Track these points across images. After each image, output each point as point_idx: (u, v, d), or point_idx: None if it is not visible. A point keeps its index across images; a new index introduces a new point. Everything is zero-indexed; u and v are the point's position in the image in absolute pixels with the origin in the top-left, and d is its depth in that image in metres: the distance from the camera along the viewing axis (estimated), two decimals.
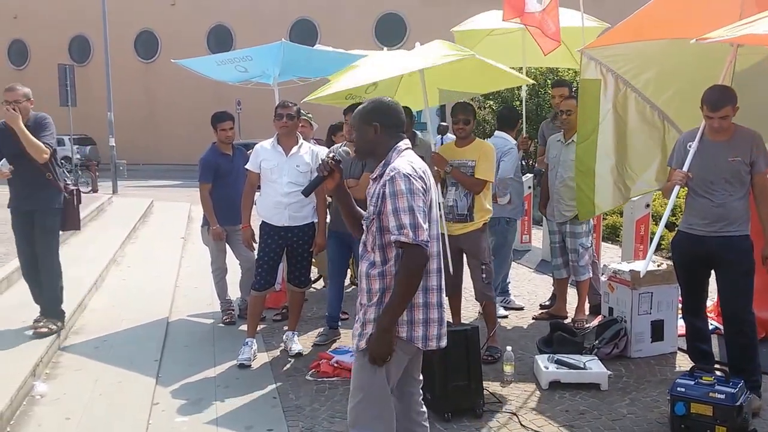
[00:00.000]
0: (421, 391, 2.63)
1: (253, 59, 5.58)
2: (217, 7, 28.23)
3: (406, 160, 2.37)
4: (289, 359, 4.38)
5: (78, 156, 20.52)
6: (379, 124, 2.42)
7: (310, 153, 4.43)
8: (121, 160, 18.03)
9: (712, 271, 3.67)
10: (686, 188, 3.62)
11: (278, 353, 4.52)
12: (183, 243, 8.74)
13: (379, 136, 2.42)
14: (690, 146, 3.55)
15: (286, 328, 4.69)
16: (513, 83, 5.73)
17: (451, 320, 4.35)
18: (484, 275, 4.28)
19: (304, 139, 4.61)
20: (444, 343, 2.48)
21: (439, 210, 4.31)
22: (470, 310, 5.30)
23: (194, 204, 10.89)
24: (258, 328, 4.65)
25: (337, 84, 4.42)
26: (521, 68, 6.23)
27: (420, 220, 2.27)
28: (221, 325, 5.18)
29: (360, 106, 2.53)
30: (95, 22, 19.47)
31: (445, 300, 2.54)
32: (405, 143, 2.44)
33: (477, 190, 4.24)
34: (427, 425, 2.62)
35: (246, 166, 4.52)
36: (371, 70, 4.52)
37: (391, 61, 4.86)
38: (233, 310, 5.30)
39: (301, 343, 4.54)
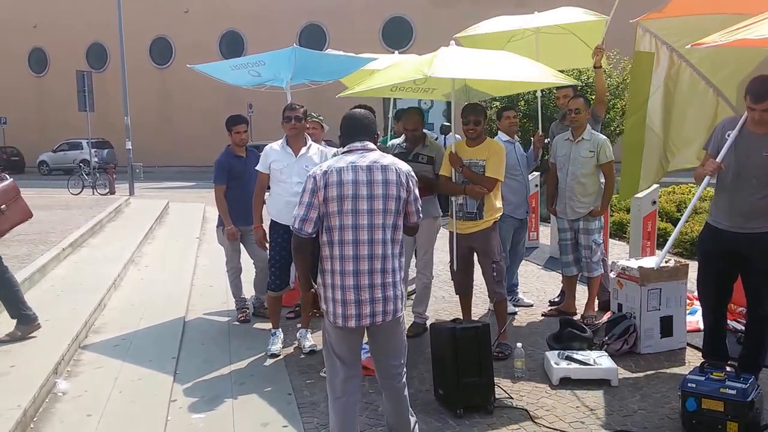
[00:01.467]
0: (400, 374, 2.88)
1: (266, 64, 5.66)
2: (229, 13, 28.52)
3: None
4: (303, 356, 4.45)
5: (96, 159, 20.86)
6: (340, 135, 2.89)
7: (318, 153, 4.52)
8: (138, 163, 18.24)
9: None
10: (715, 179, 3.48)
11: (292, 350, 4.59)
12: (198, 243, 8.86)
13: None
14: (729, 135, 3.39)
15: (299, 325, 4.77)
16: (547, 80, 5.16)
17: (460, 317, 4.41)
18: (494, 273, 4.32)
19: (315, 141, 4.69)
20: (353, 324, 2.68)
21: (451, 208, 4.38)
22: (480, 307, 5.34)
23: (209, 205, 11.06)
24: None
25: (381, 76, 4.19)
26: None
27: (296, 211, 2.70)
28: (236, 323, 5.26)
29: None
30: (112, 30, 19.73)
31: (365, 284, 2.67)
32: (348, 146, 2.78)
33: (488, 188, 4.27)
34: (407, 405, 2.90)
35: (256, 168, 4.61)
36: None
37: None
38: (248, 308, 5.38)
39: (314, 340, 4.60)
